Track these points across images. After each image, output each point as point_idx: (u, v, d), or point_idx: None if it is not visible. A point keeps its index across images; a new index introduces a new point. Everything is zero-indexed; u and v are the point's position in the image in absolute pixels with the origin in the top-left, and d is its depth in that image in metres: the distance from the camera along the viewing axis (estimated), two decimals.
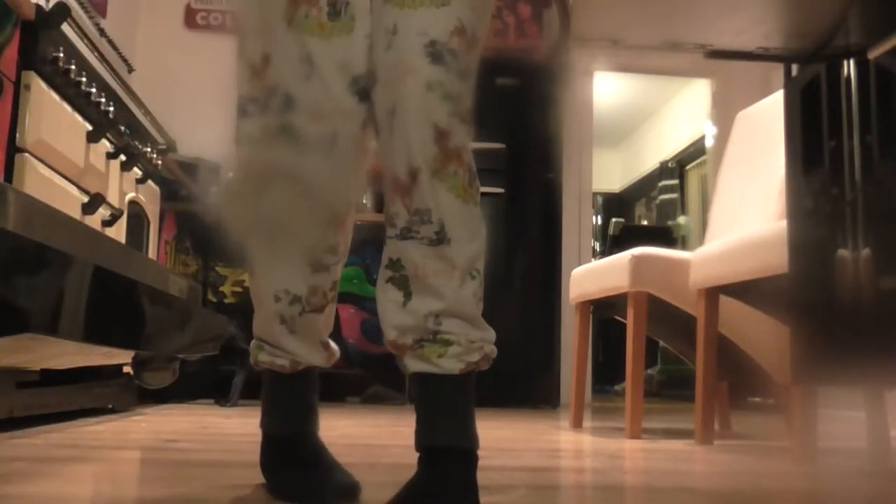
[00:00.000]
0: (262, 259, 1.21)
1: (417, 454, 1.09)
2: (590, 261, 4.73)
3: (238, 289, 4.01)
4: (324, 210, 1.17)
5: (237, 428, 2.46)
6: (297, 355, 1.22)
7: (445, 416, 1.08)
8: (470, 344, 1.08)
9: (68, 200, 2.45)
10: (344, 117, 1.12)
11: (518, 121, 4.48)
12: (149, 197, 3.44)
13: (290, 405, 1.25)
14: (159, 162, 3.54)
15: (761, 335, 2.51)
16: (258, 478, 1.35)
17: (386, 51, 1.09)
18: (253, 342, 1.27)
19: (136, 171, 3.20)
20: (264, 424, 1.28)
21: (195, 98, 4.53)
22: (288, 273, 1.19)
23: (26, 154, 2.18)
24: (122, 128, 2.97)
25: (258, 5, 1.17)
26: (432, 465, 1.07)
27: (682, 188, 7.43)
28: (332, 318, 1.28)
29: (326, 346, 1.29)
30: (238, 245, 1.22)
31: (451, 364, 1.07)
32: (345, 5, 1.13)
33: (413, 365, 1.10)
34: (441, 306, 1.07)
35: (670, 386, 5.95)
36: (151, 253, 3.51)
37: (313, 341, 1.24)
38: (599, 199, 8.56)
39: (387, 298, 1.10)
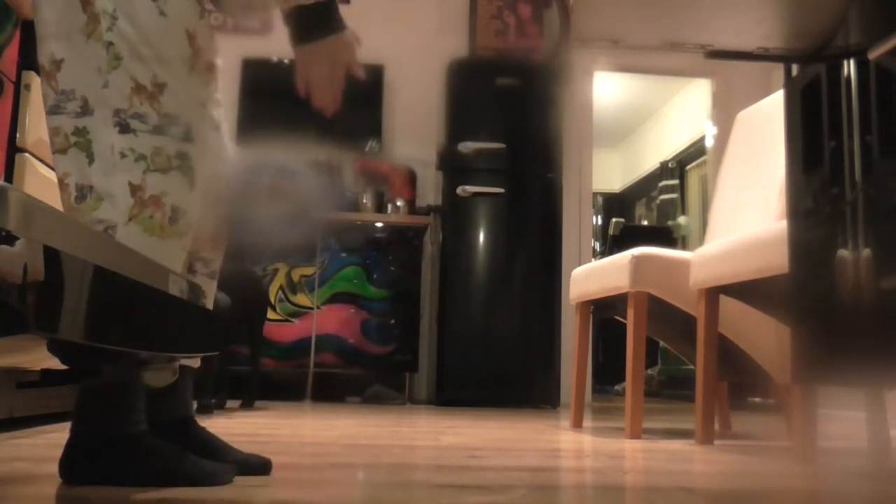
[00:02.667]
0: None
1: None
2: (590, 261, 4.73)
3: None
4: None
5: (237, 428, 2.46)
6: None
7: None
8: None
9: None
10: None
11: (518, 121, 4.48)
12: None
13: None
14: None
15: (761, 335, 2.51)
16: (258, 478, 1.35)
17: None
18: None
19: None
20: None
21: None
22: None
23: (26, 154, 2.18)
24: None
25: (153, 36, 1.22)
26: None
27: (682, 188, 7.43)
28: None
29: None
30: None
31: None
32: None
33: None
34: None
35: (670, 386, 5.96)
36: None
37: None
38: (599, 199, 8.57)
39: None
